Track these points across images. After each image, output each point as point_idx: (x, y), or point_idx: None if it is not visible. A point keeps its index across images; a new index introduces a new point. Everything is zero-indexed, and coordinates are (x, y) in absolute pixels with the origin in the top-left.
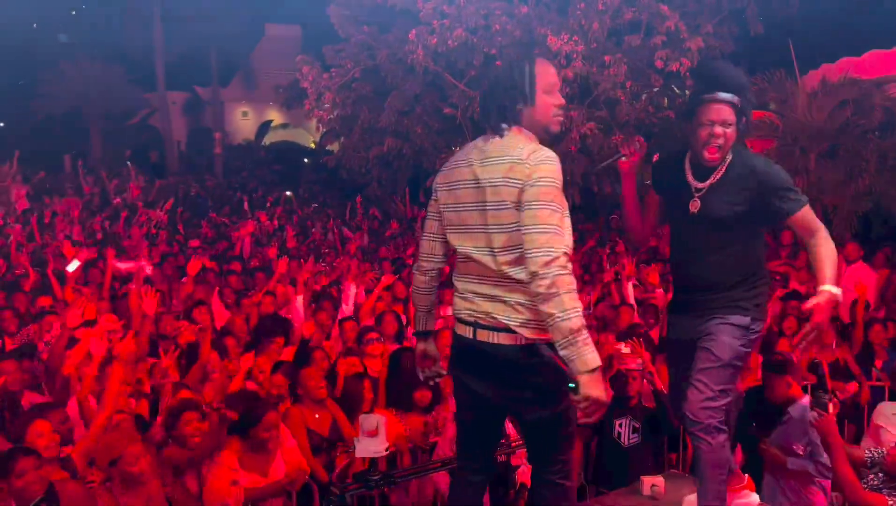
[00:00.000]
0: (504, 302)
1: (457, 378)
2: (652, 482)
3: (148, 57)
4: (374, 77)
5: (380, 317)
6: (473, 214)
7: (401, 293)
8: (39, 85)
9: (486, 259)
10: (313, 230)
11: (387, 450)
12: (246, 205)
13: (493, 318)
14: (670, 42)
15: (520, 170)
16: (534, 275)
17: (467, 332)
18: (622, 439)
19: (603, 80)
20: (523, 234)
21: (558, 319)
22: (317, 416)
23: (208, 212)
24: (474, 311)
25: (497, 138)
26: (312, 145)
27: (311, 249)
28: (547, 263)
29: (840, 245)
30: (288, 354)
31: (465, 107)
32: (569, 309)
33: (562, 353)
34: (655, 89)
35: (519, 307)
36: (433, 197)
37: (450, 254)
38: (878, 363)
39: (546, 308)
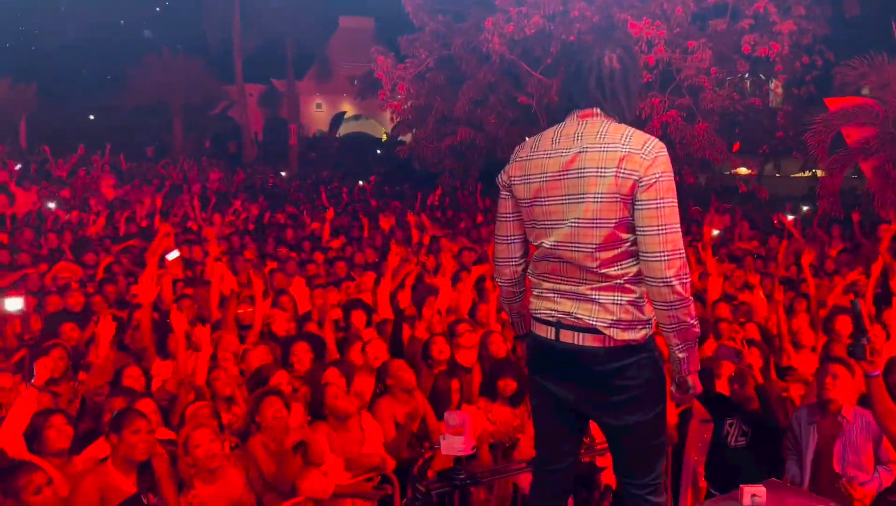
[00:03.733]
0: (592, 301)
1: (535, 381)
2: (752, 492)
3: (227, 51)
4: (449, 66)
5: (473, 308)
6: (563, 208)
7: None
8: (127, 79)
9: (578, 256)
10: (388, 219)
11: (473, 449)
12: (323, 195)
13: (578, 318)
14: (759, 26)
15: (636, 161)
16: (660, 280)
17: (548, 333)
18: (729, 440)
19: (686, 67)
20: (643, 234)
21: (687, 326)
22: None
23: (286, 202)
24: (556, 310)
25: (589, 125)
26: (384, 137)
27: (387, 239)
28: (675, 268)
29: None
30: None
31: (541, 95)
32: (695, 315)
33: (679, 355)
34: (742, 76)
35: (612, 307)
36: (503, 194)
37: (529, 252)
38: None
39: (676, 314)
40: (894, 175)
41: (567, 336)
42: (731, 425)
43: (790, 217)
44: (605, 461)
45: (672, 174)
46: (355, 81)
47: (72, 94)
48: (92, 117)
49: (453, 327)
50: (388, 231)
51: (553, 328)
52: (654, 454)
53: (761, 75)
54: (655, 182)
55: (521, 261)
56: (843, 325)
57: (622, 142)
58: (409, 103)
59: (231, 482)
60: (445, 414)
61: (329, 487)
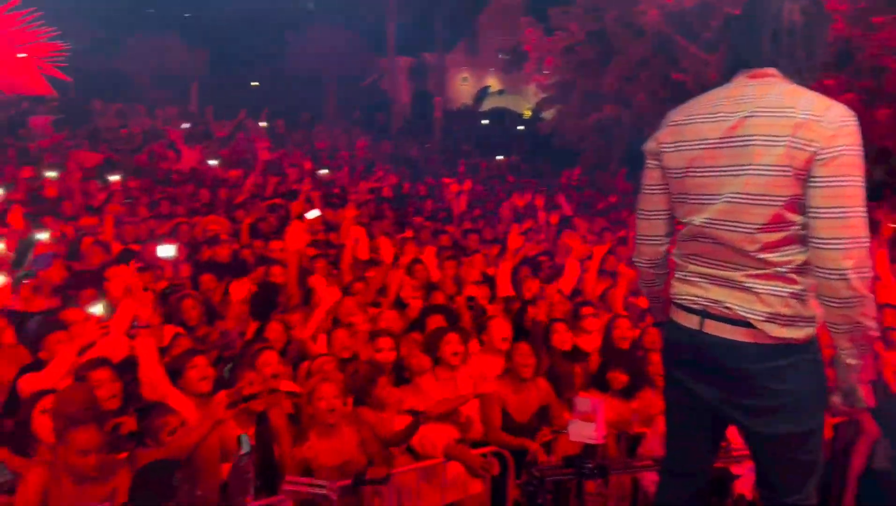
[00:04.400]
0: (747, 290)
1: (671, 375)
2: None
3: (380, 23)
4: (599, 40)
5: (603, 293)
6: (720, 181)
7: (609, 266)
8: (288, 48)
9: (735, 237)
10: (524, 196)
11: (604, 438)
12: (461, 167)
13: (728, 308)
14: None
15: (815, 130)
16: (834, 272)
17: (691, 322)
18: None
19: (869, 45)
20: (817, 217)
21: (862, 329)
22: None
23: (426, 173)
24: (702, 298)
25: (759, 86)
26: (527, 113)
27: (522, 215)
28: (854, 259)
29: None
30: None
31: (697, 72)
32: (873, 316)
33: (849, 361)
34: None
35: (770, 299)
36: (650, 164)
37: (674, 231)
38: None
39: (850, 313)
40: None
41: (713, 328)
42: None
43: None
44: (742, 469)
45: (860, 148)
46: (502, 55)
47: (239, 62)
48: (255, 84)
49: (577, 310)
50: (523, 208)
51: (697, 317)
52: (805, 472)
53: None
54: (838, 156)
55: (665, 240)
56: None
57: (799, 107)
58: (555, 78)
59: (345, 441)
60: (575, 399)
61: (438, 443)
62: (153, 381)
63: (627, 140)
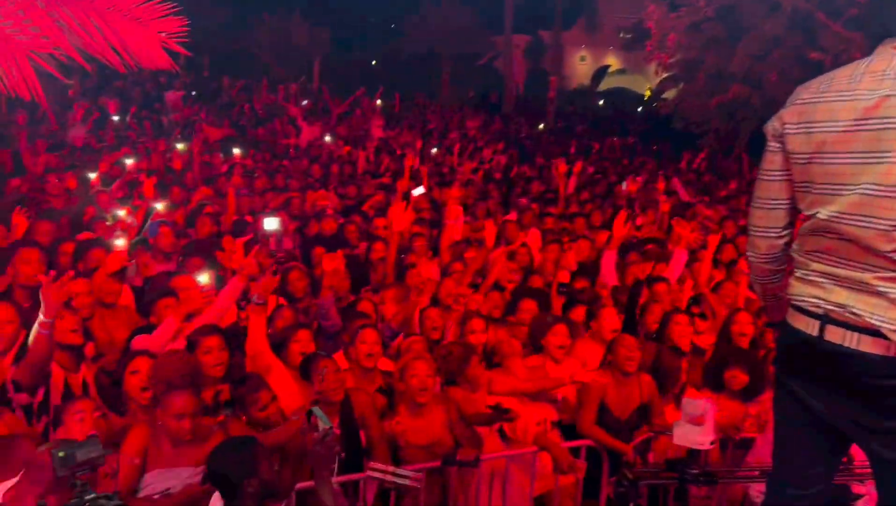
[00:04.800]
0: (879, 295)
1: (784, 384)
2: None
3: (498, 1)
4: (729, 17)
5: (717, 285)
6: (854, 169)
7: (726, 257)
8: (406, 27)
9: (868, 234)
10: (637, 180)
11: (711, 444)
12: (573, 148)
13: (854, 314)
14: None
15: None
16: None
17: (810, 327)
18: None
19: None
20: None
21: None
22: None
23: (536, 154)
24: (823, 300)
25: None
26: (647, 93)
27: (634, 200)
28: None
29: None
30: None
31: (838, 52)
32: None
33: None
34: None
35: None
36: (771, 147)
37: (795, 223)
38: None
39: None
40: None
41: (835, 335)
42: None
43: None
44: (865, 488)
45: None
46: (622, 33)
47: (358, 41)
48: (374, 63)
49: (690, 306)
50: (635, 193)
51: (817, 322)
52: None
53: None
54: None
55: (784, 233)
56: None
57: None
58: (678, 56)
59: (433, 420)
60: (684, 399)
61: (529, 429)
62: (258, 353)
63: (755, 123)
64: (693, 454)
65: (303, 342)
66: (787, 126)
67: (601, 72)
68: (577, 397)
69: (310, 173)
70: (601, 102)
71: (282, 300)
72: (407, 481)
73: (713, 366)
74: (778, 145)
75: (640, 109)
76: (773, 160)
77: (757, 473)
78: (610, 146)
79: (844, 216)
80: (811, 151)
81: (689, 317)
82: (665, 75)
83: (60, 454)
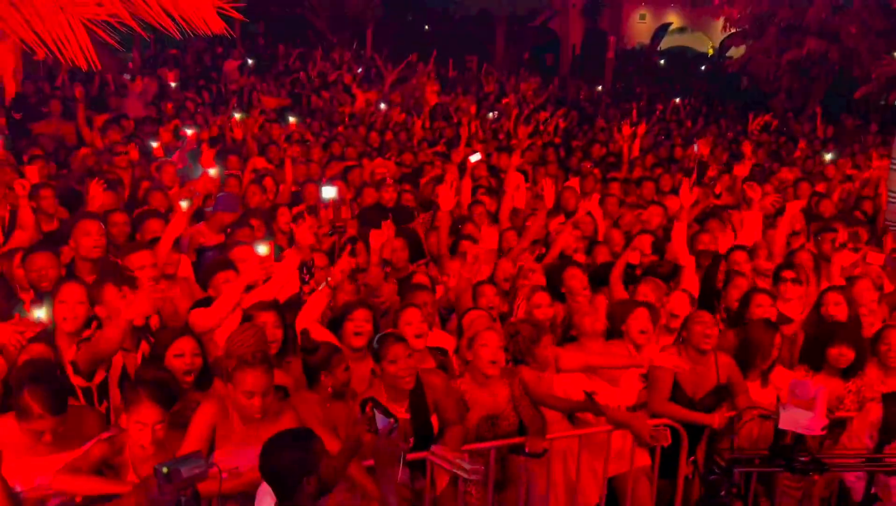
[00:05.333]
0: None
1: None
2: None
3: None
4: None
5: (791, 254)
6: None
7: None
8: None
9: None
10: (706, 143)
11: (823, 429)
12: (634, 111)
13: None
14: None
15: None
16: None
17: None
18: None
19: None
20: None
21: None
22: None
23: (596, 117)
24: None
25: None
26: (710, 51)
27: (705, 164)
28: None
29: None
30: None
31: None
32: None
33: None
34: None
35: None
36: None
37: None
38: None
39: None
40: None
41: None
42: None
43: None
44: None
45: None
46: None
47: (412, 4)
48: (427, 28)
49: (778, 273)
50: (707, 156)
51: None
52: None
53: None
54: None
55: None
56: None
57: None
58: (748, 10)
59: (497, 395)
60: (792, 381)
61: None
62: (306, 331)
63: (832, 79)
64: (799, 440)
65: (357, 321)
66: None
67: (662, 30)
68: (648, 377)
69: (367, 142)
70: (662, 62)
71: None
72: (465, 474)
73: (814, 343)
74: None
75: (703, 68)
76: None
77: (863, 459)
78: (673, 108)
79: None
80: None
81: (771, 298)
82: (732, 31)
83: (164, 471)
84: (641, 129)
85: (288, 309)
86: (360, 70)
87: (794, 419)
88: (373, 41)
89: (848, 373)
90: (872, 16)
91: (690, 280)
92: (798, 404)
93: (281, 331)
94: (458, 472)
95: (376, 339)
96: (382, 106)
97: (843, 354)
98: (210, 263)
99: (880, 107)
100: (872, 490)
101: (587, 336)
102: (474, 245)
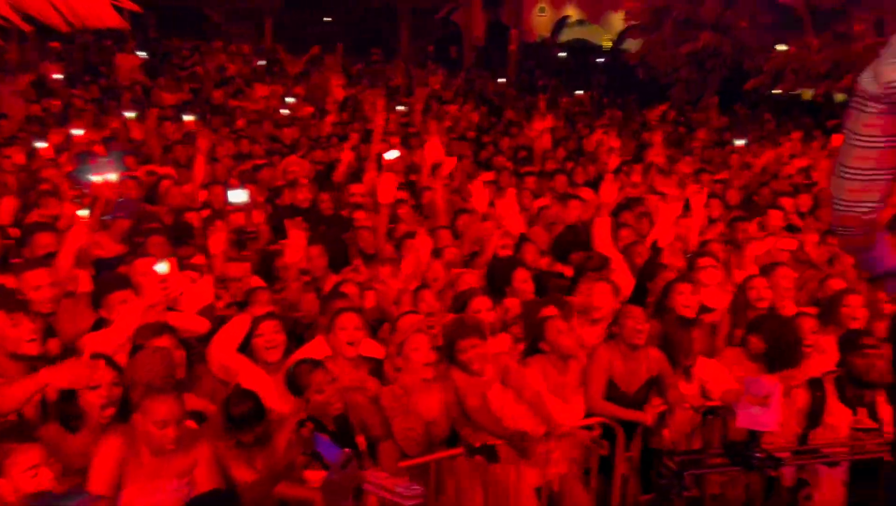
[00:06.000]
0: None
1: None
2: None
3: None
4: None
5: (704, 242)
6: None
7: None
8: None
9: None
10: (608, 135)
11: (780, 425)
12: (541, 103)
13: None
14: None
15: None
16: None
17: None
18: None
19: None
20: None
21: None
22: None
23: (503, 110)
24: None
25: None
26: (609, 44)
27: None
28: None
29: None
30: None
31: None
32: None
33: None
34: None
35: None
36: (870, 108)
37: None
38: None
39: None
40: None
41: None
42: None
43: None
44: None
45: None
46: None
47: None
48: (328, 19)
49: (694, 261)
50: (611, 148)
51: None
52: None
53: None
54: None
55: (879, 207)
56: None
57: None
58: (645, 4)
59: (432, 401)
60: (746, 379)
61: (536, 426)
62: (217, 356)
63: (725, 71)
64: (753, 437)
65: (266, 336)
66: None
67: (561, 23)
68: (582, 378)
69: (277, 138)
70: (562, 55)
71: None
72: (405, 502)
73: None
74: (882, 107)
75: (602, 60)
76: (873, 124)
77: (817, 452)
78: (578, 100)
79: None
80: None
81: (692, 286)
82: (629, 25)
83: None
84: (550, 121)
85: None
86: (261, 63)
87: (751, 417)
88: (273, 33)
89: (770, 364)
90: (761, 11)
91: (622, 273)
92: (755, 402)
93: (183, 352)
94: (397, 499)
95: (292, 369)
96: (288, 100)
97: (752, 341)
98: (104, 281)
99: (770, 97)
100: (801, 475)
101: (556, 355)
102: (414, 247)
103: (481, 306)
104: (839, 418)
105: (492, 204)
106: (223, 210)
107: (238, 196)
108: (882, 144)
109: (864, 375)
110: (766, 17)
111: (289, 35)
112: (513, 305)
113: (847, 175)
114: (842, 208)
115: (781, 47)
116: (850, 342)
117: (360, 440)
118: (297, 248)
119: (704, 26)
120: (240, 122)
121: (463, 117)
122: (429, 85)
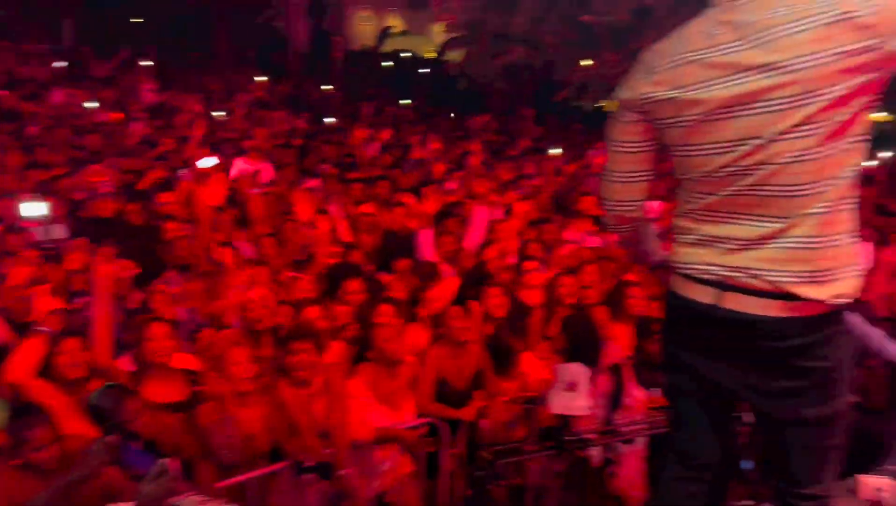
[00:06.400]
0: (782, 249)
1: (673, 355)
2: (877, 486)
3: None
4: None
5: (525, 244)
6: (745, 122)
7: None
8: None
9: (777, 179)
10: (432, 142)
11: (589, 409)
12: (365, 111)
13: (756, 276)
14: None
15: (850, 24)
16: None
17: (704, 295)
18: None
19: None
20: None
21: None
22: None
23: (328, 117)
24: (721, 267)
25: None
26: (434, 54)
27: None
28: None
29: None
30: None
31: (607, 15)
32: None
33: None
34: None
35: (810, 253)
36: (626, 118)
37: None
38: None
39: None
40: None
41: (734, 301)
42: None
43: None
44: None
45: None
46: None
47: None
48: (139, 20)
49: (519, 264)
50: (440, 154)
51: (713, 290)
52: (830, 459)
53: None
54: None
55: (640, 205)
56: None
57: (818, 8)
58: (462, 17)
59: (251, 416)
60: (558, 368)
61: (367, 431)
62: (17, 384)
63: (536, 85)
64: (566, 422)
65: (67, 353)
66: (649, 96)
67: (384, 32)
68: (413, 377)
69: (79, 146)
70: (387, 63)
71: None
72: None
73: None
74: (635, 116)
75: (426, 71)
76: (627, 130)
77: (601, 431)
78: (403, 108)
79: (736, 168)
80: (691, 114)
81: (502, 290)
82: (449, 37)
83: None
84: (373, 130)
85: None
86: (58, 65)
87: (563, 402)
88: (75, 34)
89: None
90: (567, 28)
91: (448, 279)
92: (566, 388)
93: None
94: None
95: (97, 396)
96: (92, 105)
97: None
98: None
99: (580, 108)
100: (607, 455)
101: (386, 361)
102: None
103: (313, 315)
104: (636, 399)
105: (323, 211)
106: (15, 225)
107: (33, 209)
108: (638, 149)
109: (656, 359)
110: (572, 34)
111: (93, 36)
112: (343, 312)
113: (612, 178)
114: (610, 208)
115: (586, 62)
116: (643, 329)
117: (173, 463)
118: (106, 268)
119: (516, 40)
120: (32, 129)
121: (288, 124)
122: (251, 91)
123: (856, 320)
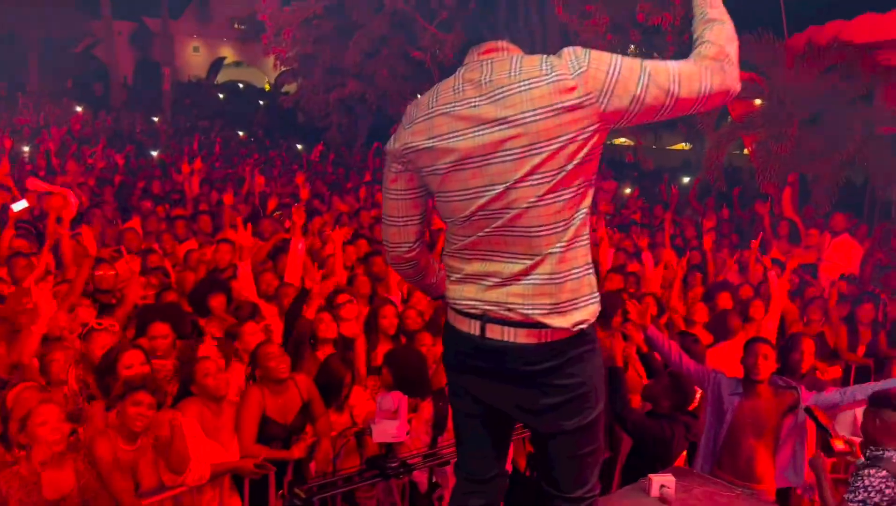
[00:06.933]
0: (530, 284)
1: (454, 381)
2: (661, 482)
3: None
4: (339, 14)
5: (352, 278)
6: (489, 170)
7: (363, 251)
8: None
9: (521, 221)
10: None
11: (408, 434)
12: (195, 145)
13: (511, 309)
14: None
15: (563, 85)
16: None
17: (471, 327)
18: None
19: (584, 31)
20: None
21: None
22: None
23: (155, 151)
24: (482, 301)
25: (495, 62)
26: (267, 87)
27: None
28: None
29: (825, 216)
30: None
31: (435, 51)
32: None
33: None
34: (634, 46)
35: (554, 288)
36: (395, 168)
37: (425, 233)
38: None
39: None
40: (776, 150)
41: (495, 332)
42: None
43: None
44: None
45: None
46: (237, 24)
47: None
48: None
49: (334, 298)
50: (266, 190)
51: (478, 322)
52: (590, 463)
53: (653, 48)
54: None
55: (416, 246)
56: (724, 301)
57: (541, 71)
58: (294, 51)
59: (65, 473)
60: (378, 397)
61: (204, 473)
62: None
63: (371, 118)
64: (390, 449)
65: None
66: (410, 145)
67: (217, 64)
68: (236, 424)
69: None
70: (221, 96)
71: None
72: None
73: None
74: (401, 166)
75: (262, 103)
76: (397, 179)
77: (424, 456)
78: (237, 141)
79: (490, 212)
80: (445, 163)
81: (332, 315)
82: (284, 69)
83: None
84: (197, 163)
85: None
86: None
87: (384, 431)
88: None
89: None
90: (398, 62)
91: (270, 317)
92: (385, 416)
93: None
94: None
95: None
96: None
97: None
98: None
99: None
100: (434, 479)
101: (208, 397)
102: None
103: (134, 361)
104: None
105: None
106: None
107: None
108: (407, 196)
109: None
110: (403, 68)
111: None
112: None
113: (387, 222)
114: (389, 250)
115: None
116: None
117: None
118: None
119: (349, 74)
120: None
121: (106, 159)
122: (65, 123)
123: (657, 335)
